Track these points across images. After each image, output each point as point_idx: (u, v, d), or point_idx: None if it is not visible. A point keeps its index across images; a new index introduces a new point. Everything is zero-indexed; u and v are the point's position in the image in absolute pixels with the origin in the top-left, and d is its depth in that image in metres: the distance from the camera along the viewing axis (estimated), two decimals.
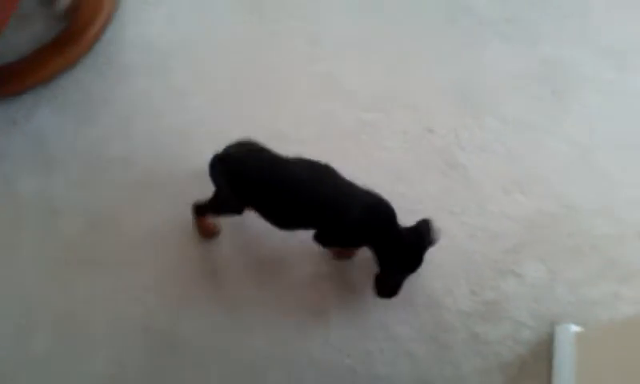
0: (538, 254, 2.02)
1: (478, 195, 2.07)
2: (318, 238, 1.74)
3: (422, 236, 1.66)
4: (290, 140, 1.83)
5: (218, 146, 1.92)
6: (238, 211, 1.70)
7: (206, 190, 1.85)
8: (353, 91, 1.92)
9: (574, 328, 1.87)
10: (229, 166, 1.64)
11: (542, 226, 2.08)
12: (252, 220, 1.83)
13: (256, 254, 1.83)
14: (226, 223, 1.86)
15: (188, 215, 1.83)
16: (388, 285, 1.69)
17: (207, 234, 1.88)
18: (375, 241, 1.65)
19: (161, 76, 2.01)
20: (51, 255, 1.73)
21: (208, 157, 1.88)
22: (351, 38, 2.10)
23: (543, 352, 1.88)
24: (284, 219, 1.67)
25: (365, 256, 1.85)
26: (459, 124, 2.15)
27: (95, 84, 1.94)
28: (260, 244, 1.84)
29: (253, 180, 1.60)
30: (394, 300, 1.75)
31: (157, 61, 2.04)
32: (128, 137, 1.90)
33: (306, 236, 1.77)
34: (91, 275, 1.71)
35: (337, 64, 2.11)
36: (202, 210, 1.80)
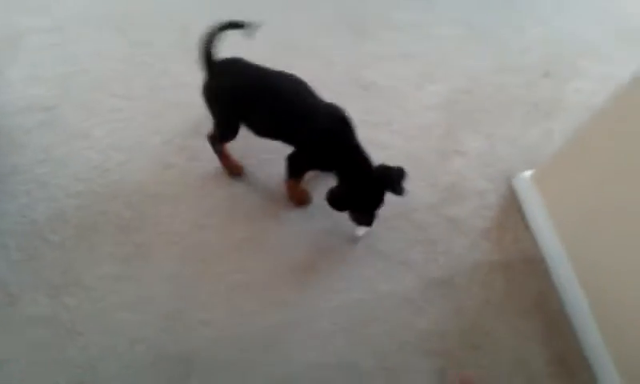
0: (469, 127, 2.12)
1: (397, 101, 2.14)
2: (291, 160, 1.71)
3: (389, 178, 1.62)
4: (203, 130, 1.81)
5: (144, 157, 1.87)
6: (235, 129, 1.72)
7: (140, 211, 1.78)
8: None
9: (528, 173, 1.97)
10: (223, 79, 1.63)
11: (459, 102, 2.19)
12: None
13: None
14: (194, 218, 1.80)
15: (139, 238, 1.74)
16: (341, 197, 1.63)
17: (235, 170, 1.89)
18: (339, 155, 1.62)
19: (54, 127, 1.88)
20: (31, 340, 1.55)
21: (133, 175, 1.81)
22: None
23: (512, 206, 1.96)
24: (266, 126, 1.68)
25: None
26: (355, 50, 2.26)
27: None
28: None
29: (244, 88, 1.61)
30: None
31: (42, 116, 1.90)
32: (48, 195, 1.75)
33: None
34: (79, 343, 1.56)
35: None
36: (214, 141, 1.79)
